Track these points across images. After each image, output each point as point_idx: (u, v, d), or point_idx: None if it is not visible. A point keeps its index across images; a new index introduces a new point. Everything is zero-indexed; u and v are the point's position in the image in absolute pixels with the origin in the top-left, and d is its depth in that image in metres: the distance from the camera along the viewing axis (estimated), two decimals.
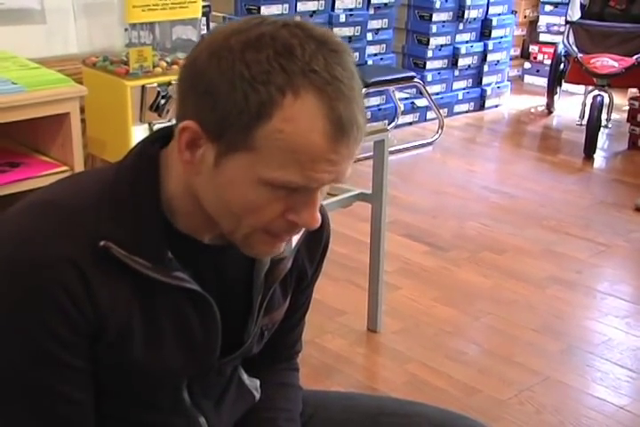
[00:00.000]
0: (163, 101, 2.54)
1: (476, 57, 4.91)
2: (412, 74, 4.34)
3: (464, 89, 4.97)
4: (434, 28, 4.65)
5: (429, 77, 4.71)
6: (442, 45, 4.74)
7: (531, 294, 2.85)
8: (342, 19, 4.18)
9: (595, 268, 3.10)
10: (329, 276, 2.62)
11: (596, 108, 4.22)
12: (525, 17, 5.64)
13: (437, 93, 4.77)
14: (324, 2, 4.09)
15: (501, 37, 4.99)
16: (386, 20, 4.49)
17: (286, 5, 3.95)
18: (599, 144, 4.36)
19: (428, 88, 4.49)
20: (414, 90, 4.63)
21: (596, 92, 4.32)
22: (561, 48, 4.74)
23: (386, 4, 4.44)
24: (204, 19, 3.00)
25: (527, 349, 2.52)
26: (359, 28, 4.27)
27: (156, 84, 2.56)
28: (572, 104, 5.07)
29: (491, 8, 4.86)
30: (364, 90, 3.91)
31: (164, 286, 0.96)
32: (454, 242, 3.24)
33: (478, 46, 4.89)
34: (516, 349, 2.52)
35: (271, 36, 0.86)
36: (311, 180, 0.88)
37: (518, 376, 2.36)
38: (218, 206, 0.94)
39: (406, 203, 3.59)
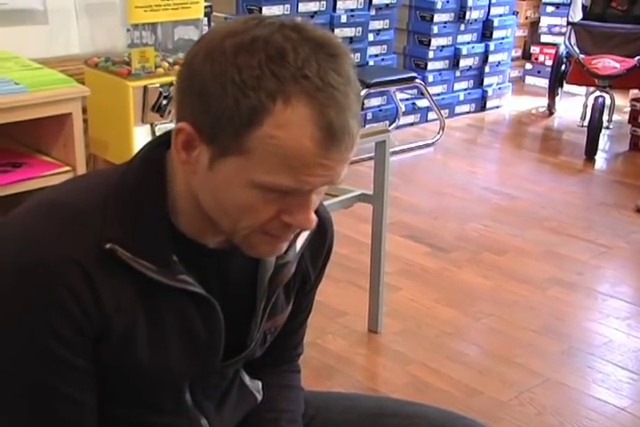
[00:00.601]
0: (165, 102, 2.55)
1: (477, 58, 4.91)
2: (414, 75, 4.34)
3: (465, 90, 4.97)
4: (435, 29, 4.65)
5: (430, 78, 4.71)
6: (443, 46, 4.74)
7: (532, 296, 2.85)
8: (343, 19, 4.18)
9: (596, 269, 3.10)
10: (330, 277, 2.61)
11: (598, 109, 4.22)
12: (527, 18, 5.64)
13: (438, 94, 4.77)
14: (325, 2, 4.09)
15: (503, 38, 4.99)
16: (387, 21, 4.49)
17: (287, 6, 3.95)
18: (600, 145, 4.36)
19: (429, 89, 4.49)
20: (415, 91, 4.63)
21: (598, 93, 4.32)
22: (562, 49, 4.74)
23: (387, 5, 4.44)
24: (206, 19, 3.01)
25: (528, 350, 2.52)
26: (360, 28, 4.27)
27: (158, 85, 2.57)
28: (573, 105, 5.07)
29: (492, 9, 4.86)
30: (364, 91, 3.94)
31: (169, 288, 0.96)
32: (455, 243, 3.24)
33: (479, 47, 4.89)
34: (517, 350, 2.52)
35: (265, 39, 0.86)
36: (303, 183, 0.88)
37: (519, 377, 2.36)
38: (215, 207, 0.94)
39: (407, 204, 3.59)
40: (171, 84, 2.51)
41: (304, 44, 0.86)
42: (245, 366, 1.17)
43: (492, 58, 4.96)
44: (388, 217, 2.48)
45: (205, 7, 2.81)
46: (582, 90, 4.96)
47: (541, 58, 5.62)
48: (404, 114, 4.63)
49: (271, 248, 0.98)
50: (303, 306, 1.21)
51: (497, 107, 5.13)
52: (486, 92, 5.04)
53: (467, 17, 4.73)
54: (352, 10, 4.22)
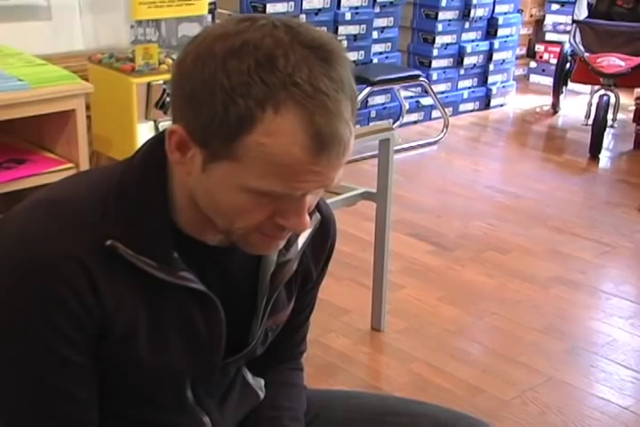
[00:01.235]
0: (168, 99, 2.54)
1: (481, 56, 4.90)
2: (418, 72, 4.34)
3: (469, 88, 4.96)
4: (439, 27, 4.64)
5: (435, 76, 4.71)
6: (447, 44, 4.73)
7: (535, 294, 2.85)
8: (348, 17, 4.18)
9: (599, 268, 3.09)
10: (333, 275, 2.62)
11: (602, 107, 4.21)
12: (531, 16, 5.63)
13: (442, 92, 4.76)
14: (329, 0, 4.08)
15: (507, 36, 4.98)
16: (391, 19, 4.48)
17: (292, 3, 3.94)
18: (605, 144, 4.35)
19: (433, 87, 4.48)
20: (419, 88, 4.62)
21: (602, 91, 4.31)
22: (567, 47, 4.73)
23: (391, 3, 4.43)
24: (210, 16, 3.01)
25: (531, 349, 2.51)
26: (364, 26, 4.26)
27: (161, 82, 2.56)
28: (577, 104, 5.06)
29: (497, 7, 4.85)
30: (368, 89, 3.94)
31: (170, 285, 0.96)
32: (459, 241, 3.24)
33: (484, 45, 4.88)
34: (520, 349, 2.51)
35: (254, 44, 0.84)
36: (295, 189, 0.88)
37: (522, 376, 2.36)
38: (210, 207, 0.94)
39: (411, 202, 3.58)
40: None
41: (296, 48, 0.85)
42: (248, 364, 1.17)
43: (496, 56, 4.95)
44: (391, 215, 2.47)
45: (209, 4, 2.81)
46: (587, 88, 4.95)
47: (546, 56, 5.61)
48: (408, 112, 4.62)
49: (268, 246, 0.98)
50: (305, 304, 1.20)
51: (501, 105, 5.12)
52: (490, 90, 5.03)
53: (471, 15, 4.73)
54: (356, 7, 4.22)
